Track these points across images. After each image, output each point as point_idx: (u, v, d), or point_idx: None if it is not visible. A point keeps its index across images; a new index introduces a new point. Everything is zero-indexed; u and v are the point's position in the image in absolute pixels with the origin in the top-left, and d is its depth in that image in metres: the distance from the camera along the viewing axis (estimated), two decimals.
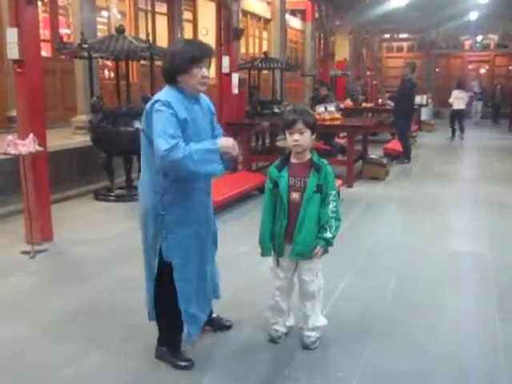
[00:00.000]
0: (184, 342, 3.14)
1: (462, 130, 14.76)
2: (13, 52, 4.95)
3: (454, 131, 14.87)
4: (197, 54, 2.86)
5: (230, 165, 3.06)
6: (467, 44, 25.79)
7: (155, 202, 2.87)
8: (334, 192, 3.15)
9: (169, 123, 2.73)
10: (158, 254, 2.93)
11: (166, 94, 2.86)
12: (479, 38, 24.92)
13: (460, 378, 3.03)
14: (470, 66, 25.44)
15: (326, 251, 3.19)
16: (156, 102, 2.80)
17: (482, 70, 25.30)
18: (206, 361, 3.10)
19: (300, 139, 3.08)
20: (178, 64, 2.84)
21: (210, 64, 2.96)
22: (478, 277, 4.58)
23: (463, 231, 6.04)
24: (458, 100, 14.67)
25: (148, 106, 2.83)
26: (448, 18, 18.55)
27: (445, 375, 3.04)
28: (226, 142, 2.92)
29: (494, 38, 24.93)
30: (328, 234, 3.11)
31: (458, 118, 14.76)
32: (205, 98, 3.10)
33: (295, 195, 3.13)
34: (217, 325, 3.45)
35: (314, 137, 3.17)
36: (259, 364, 3.12)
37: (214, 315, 3.45)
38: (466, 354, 3.27)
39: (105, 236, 5.57)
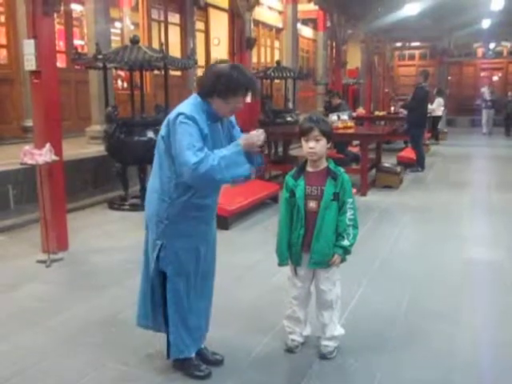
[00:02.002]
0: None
1: (437, 136, 15.81)
2: (30, 63, 4.99)
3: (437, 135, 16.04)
4: (241, 85, 2.79)
5: (262, 160, 2.98)
6: (480, 51, 25.65)
7: (160, 209, 2.86)
8: (351, 200, 3.14)
9: (196, 136, 2.69)
10: (155, 261, 2.92)
11: (191, 108, 2.79)
12: (492, 45, 24.74)
13: None
14: (483, 74, 25.27)
15: (343, 259, 3.18)
16: (181, 114, 2.73)
17: (495, 78, 25.12)
18: (223, 370, 3.08)
19: (315, 147, 3.08)
20: (219, 88, 2.77)
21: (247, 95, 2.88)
22: (495, 285, 4.54)
23: (478, 239, 5.98)
24: (439, 107, 15.65)
25: (172, 116, 2.77)
26: (460, 25, 18.43)
27: None
28: (248, 138, 2.82)
29: (507, 45, 24.76)
30: (346, 242, 3.10)
31: (435, 124, 15.69)
32: None
33: (312, 204, 3.12)
34: (204, 358, 3.14)
35: (329, 145, 3.17)
36: (276, 373, 3.11)
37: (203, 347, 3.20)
38: (485, 364, 3.23)
39: (119, 245, 5.58)
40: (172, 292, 2.93)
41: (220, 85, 2.76)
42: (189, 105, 2.83)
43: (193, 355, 3.06)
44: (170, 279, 2.92)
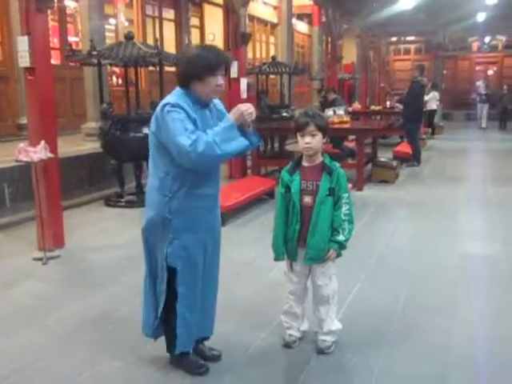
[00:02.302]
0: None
1: (433, 130, 15.84)
2: (24, 60, 4.97)
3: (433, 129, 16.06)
4: (213, 61, 2.80)
5: (259, 138, 2.94)
6: (475, 45, 25.65)
7: (163, 205, 2.84)
8: (346, 195, 3.14)
9: (186, 121, 2.70)
10: (165, 258, 2.90)
11: (175, 97, 2.82)
12: (487, 39, 24.72)
13: (476, 382, 3.00)
14: (478, 68, 25.27)
15: (339, 254, 3.18)
16: (166, 104, 2.76)
17: (490, 72, 25.12)
18: (220, 366, 3.09)
19: (312, 142, 3.08)
20: (193, 71, 2.79)
21: (226, 72, 2.88)
22: (491, 279, 4.54)
23: (475, 233, 5.99)
24: (434, 100, 15.75)
25: (158, 108, 2.80)
26: (455, 19, 18.37)
27: (461, 379, 3.01)
28: (237, 111, 2.80)
29: (501, 39, 24.75)
30: (341, 237, 3.10)
31: (431, 118, 15.74)
32: (214, 101, 3.01)
33: (307, 199, 3.12)
34: (201, 354, 3.16)
35: (325, 140, 3.17)
36: (274, 369, 3.11)
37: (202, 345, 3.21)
38: (481, 358, 3.24)
39: (116, 242, 5.57)
40: (182, 286, 2.91)
41: (194, 68, 2.78)
42: (173, 95, 2.85)
43: (190, 351, 3.06)
44: (179, 273, 2.89)
